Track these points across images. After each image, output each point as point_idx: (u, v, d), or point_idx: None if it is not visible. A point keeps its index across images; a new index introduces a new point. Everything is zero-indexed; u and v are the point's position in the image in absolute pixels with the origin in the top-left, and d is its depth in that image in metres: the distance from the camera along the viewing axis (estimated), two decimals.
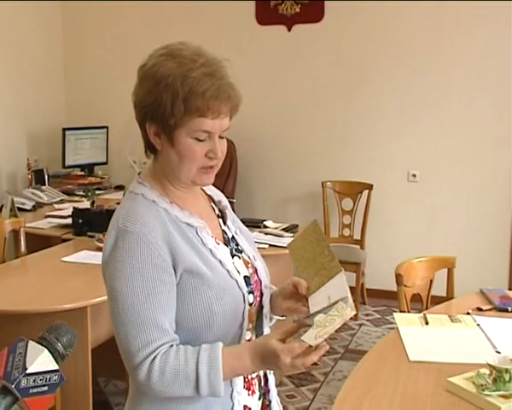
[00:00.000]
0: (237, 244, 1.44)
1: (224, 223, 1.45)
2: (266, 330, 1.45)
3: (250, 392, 1.38)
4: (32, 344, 0.96)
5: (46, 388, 0.95)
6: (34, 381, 0.93)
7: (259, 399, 1.42)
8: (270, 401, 1.47)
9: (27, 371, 0.93)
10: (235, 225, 1.48)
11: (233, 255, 1.39)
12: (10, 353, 0.95)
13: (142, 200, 1.31)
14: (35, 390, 0.93)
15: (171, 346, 1.24)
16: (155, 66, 1.27)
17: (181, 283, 1.27)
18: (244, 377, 1.36)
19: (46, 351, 0.96)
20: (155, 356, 1.22)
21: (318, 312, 1.27)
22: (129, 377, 1.32)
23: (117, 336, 1.27)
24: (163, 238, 1.26)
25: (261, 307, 1.42)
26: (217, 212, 1.47)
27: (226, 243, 1.41)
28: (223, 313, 1.28)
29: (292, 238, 1.40)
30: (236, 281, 1.32)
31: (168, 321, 1.25)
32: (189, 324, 1.27)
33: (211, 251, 1.32)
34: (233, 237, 1.44)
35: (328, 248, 1.35)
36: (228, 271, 1.32)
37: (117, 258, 1.25)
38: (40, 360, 0.95)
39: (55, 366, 0.96)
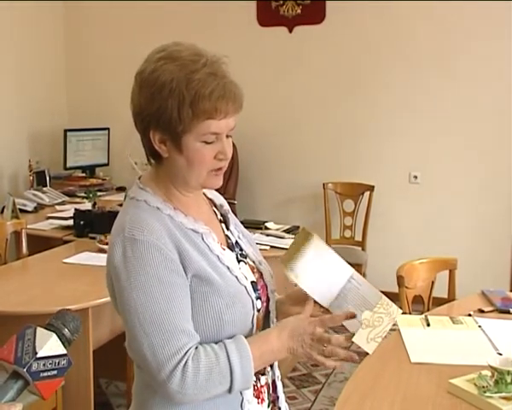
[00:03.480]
0: (241, 249, 1.40)
1: (227, 228, 1.42)
2: None
3: (259, 400, 1.36)
4: (40, 330, 0.98)
5: (55, 372, 0.96)
6: (44, 365, 0.95)
7: (268, 406, 1.40)
8: (279, 408, 1.45)
9: (38, 356, 0.94)
10: (237, 230, 1.44)
11: (239, 261, 1.36)
12: (19, 339, 0.97)
13: (146, 207, 1.27)
14: (45, 374, 0.95)
15: (196, 347, 1.21)
16: (156, 71, 1.22)
17: (190, 289, 1.23)
18: (254, 386, 1.33)
19: (55, 336, 0.97)
20: (187, 360, 1.18)
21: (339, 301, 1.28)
22: (134, 390, 1.31)
23: (138, 351, 1.20)
24: (172, 243, 1.23)
25: (268, 312, 1.39)
26: (219, 217, 1.43)
27: (231, 248, 1.37)
28: (233, 322, 1.25)
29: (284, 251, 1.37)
30: (245, 287, 1.29)
31: (191, 324, 1.22)
32: (197, 332, 1.23)
33: (218, 257, 1.29)
34: (237, 241, 1.41)
35: None
36: (236, 277, 1.29)
37: (129, 268, 1.20)
38: (49, 345, 0.96)
39: (63, 351, 0.97)
